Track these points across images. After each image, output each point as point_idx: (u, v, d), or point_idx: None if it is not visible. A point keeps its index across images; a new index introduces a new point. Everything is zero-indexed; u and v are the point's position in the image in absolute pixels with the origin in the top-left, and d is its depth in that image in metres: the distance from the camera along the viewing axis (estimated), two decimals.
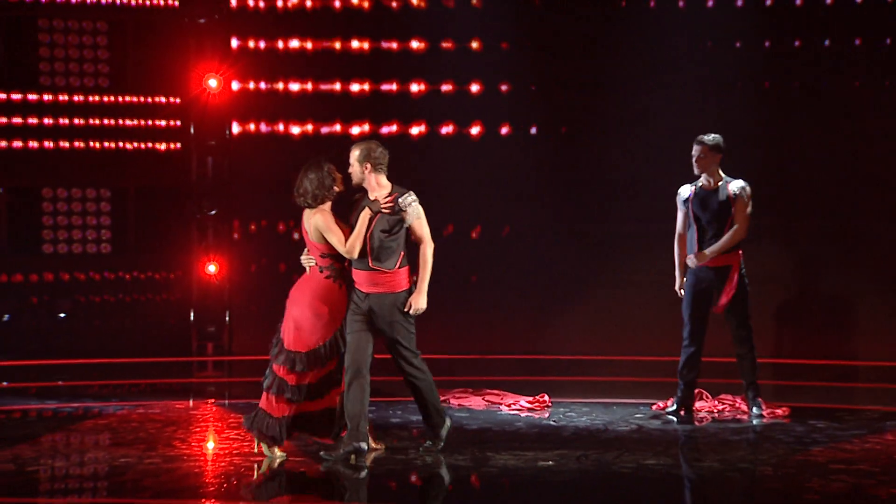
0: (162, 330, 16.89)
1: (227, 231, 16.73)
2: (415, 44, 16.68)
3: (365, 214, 8.93)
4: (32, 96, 16.61)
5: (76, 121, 16.67)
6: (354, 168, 9.03)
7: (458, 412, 11.61)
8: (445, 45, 16.71)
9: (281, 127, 16.77)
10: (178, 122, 16.76)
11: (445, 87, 16.77)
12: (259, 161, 16.64)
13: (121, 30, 16.82)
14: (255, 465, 9.09)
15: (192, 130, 16.69)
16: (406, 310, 8.99)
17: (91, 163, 16.77)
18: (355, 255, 8.90)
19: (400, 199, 8.99)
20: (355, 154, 9.03)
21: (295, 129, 16.77)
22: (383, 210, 8.93)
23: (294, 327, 9.06)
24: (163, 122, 16.80)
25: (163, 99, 16.78)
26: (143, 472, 8.75)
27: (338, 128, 16.75)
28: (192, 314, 16.61)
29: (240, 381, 14.82)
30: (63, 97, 16.66)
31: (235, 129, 16.68)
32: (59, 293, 16.89)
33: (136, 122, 16.71)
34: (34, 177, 16.85)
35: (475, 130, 16.72)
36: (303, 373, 9.06)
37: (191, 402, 12.41)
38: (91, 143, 16.77)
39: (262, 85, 16.78)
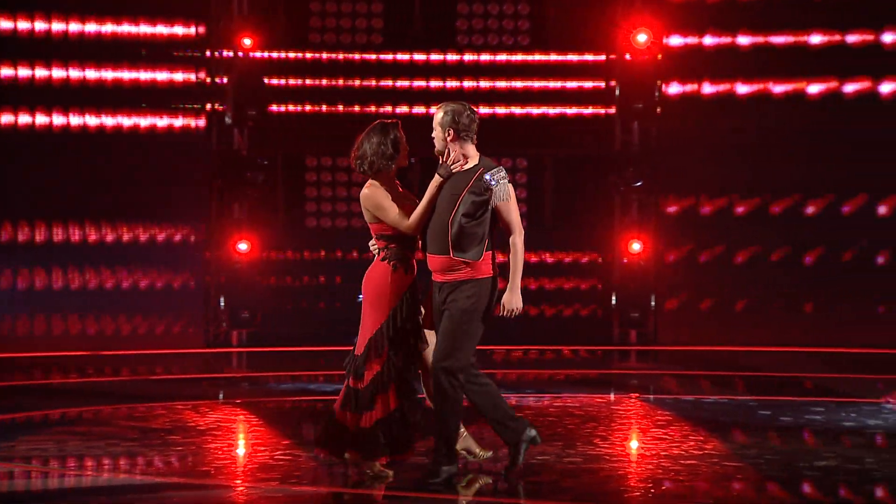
0: (580, 315, 16.55)
1: (654, 205, 16.22)
2: None
3: (434, 182, 7.98)
4: (451, 57, 16.40)
5: (496, 84, 16.38)
6: (437, 133, 8.06)
7: None
8: None
9: (720, 87, 16.15)
10: (602, 84, 16.24)
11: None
12: (692, 126, 16.10)
13: None
14: (685, 468, 8.35)
15: (616, 93, 16.20)
16: (498, 313, 7.97)
17: (506, 129, 16.48)
18: (417, 232, 7.99)
19: (487, 175, 7.93)
20: (438, 117, 8.09)
21: (742, 89, 16.11)
22: (452, 172, 7.94)
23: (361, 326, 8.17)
24: (584, 84, 16.31)
25: (585, 58, 16.26)
26: (561, 471, 8.44)
27: (786, 87, 16.12)
28: (613, 298, 16.19)
29: (667, 374, 14.31)
30: (482, 57, 16.38)
31: (670, 89, 16.18)
32: None
33: (555, 83, 16.27)
34: None
35: None
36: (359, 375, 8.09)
37: (612, 396, 12.08)
38: (510, 109, 16.51)
39: (698, 39, 16.09)
